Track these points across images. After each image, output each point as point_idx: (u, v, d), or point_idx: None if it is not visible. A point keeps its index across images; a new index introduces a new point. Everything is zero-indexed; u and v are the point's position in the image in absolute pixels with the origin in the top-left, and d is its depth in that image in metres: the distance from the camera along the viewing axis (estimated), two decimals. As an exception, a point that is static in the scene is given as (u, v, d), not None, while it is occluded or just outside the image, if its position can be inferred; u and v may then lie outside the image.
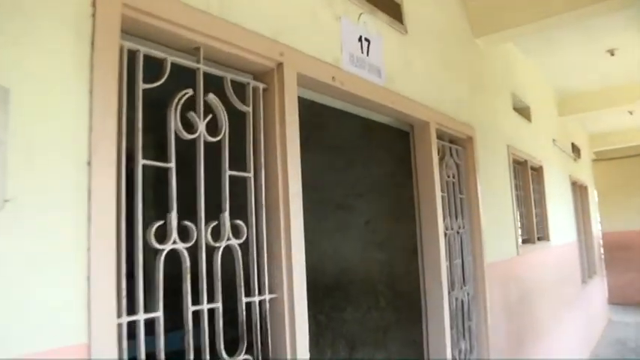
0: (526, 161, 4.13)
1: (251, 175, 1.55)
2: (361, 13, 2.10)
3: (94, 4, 1.12)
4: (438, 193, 2.53)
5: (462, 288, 2.84)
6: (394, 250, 3.53)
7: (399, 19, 2.39)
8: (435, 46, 2.74)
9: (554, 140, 5.23)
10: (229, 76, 1.53)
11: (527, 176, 4.14)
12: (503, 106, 3.62)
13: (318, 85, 1.80)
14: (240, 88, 1.60)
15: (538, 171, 4.59)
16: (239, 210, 1.54)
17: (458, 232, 2.84)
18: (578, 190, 6.94)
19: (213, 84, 1.53)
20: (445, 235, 2.64)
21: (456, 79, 2.93)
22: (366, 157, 3.90)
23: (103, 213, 1.07)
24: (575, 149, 6.72)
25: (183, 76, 1.45)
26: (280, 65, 1.62)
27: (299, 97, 1.89)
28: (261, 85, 1.62)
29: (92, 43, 1.12)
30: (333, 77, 1.83)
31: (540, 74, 5.02)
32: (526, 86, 4.41)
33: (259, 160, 1.58)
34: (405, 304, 3.06)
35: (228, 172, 1.48)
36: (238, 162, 1.55)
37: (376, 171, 3.82)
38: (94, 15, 1.13)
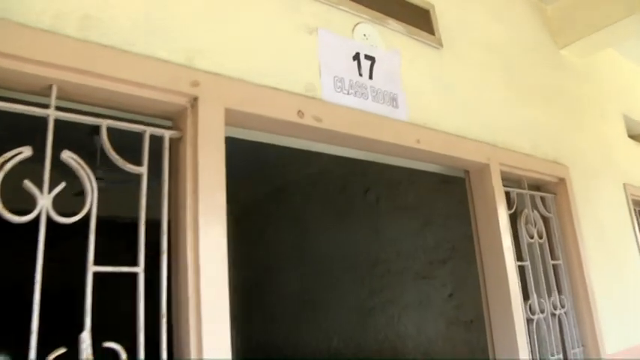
0: (659, 202, 3.04)
1: (140, 269, 1.01)
2: (357, 24, 1.52)
3: None
4: (510, 263, 1.75)
5: (568, 398, 1.94)
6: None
7: (429, 28, 1.76)
8: (494, 62, 2.03)
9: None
10: (105, 123, 1.04)
11: (663, 223, 3.04)
12: (612, 134, 2.69)
13: (271, 124, 1.24)
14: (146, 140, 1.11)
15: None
16: (121, 324, 1.01)
17: (554, 315, 1.97)
18: None
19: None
20: (529, 322, 1.82)
21: (532, 105, 2.16)
22: (445, 216, 3.18)
23: None
24: None
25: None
26: (195, 101, 1.10)
27: (270, 143, 1.36)
28: (167, 133, 1.10)
29: None
30: (299, 112, 1.26)
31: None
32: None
33: (159, 245, 1.04)
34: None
35: (93, 269, 0.96)
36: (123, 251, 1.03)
37: (458, 232, 3.07)
38: None
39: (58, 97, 0.99)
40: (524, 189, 2.01)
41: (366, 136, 1.41)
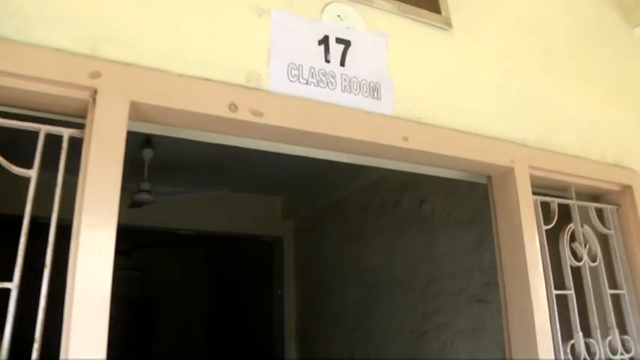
0: None
1: (13, 286, 0.88)
2: (328, 3, 1.30)
3: None
4: (539, 292, 1.38)
5: None
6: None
7: (433, 7, 1.48)
8: (530, 44, 1.67)
9: None
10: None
11: None
12: None
13: (193, 118, 1.06)
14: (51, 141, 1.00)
15: None
16: None
17: (613, 361, 1.55)
18: None
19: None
20: (572, 368, 1.43)
21: (585, 95, 1.75)
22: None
23: None
24: None
25: None
26: (96, 94, 0.97)
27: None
28: (66, 132, 0.98)
29: None
30: (231, 105, 1.07)
31: None
32: None
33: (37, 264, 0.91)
34: None
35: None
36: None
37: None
38: None
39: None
40: (570, 198, 1.62)
41: (327, 133, 1.18)
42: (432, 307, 3.21)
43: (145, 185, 3.33)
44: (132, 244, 5.26)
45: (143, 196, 3.29)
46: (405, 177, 3.58)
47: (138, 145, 3.33)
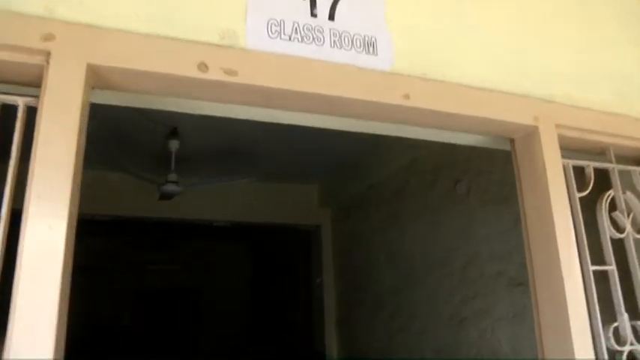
0: None
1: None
2: (314, -48, 1.17)
3: None
4: (572, 270, 1.21)
5: None
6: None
7: (439, -48, 1.32)
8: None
9: None
10: None
11: None
12: None
13: (157, 81, 0.97)
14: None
15: None
16: None
17: (665, 346, 1.34)
18: None
19: None
20: (616, 355, 1.25)
21: (620, 43, 1.53)
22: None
23: None
24: None
25: None
26: (49, 57, 0.89)
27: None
28: (21, 101, 0.91)
29: None
30: (201, 64, 0.97)
31: None
32: None
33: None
34: None
35: None
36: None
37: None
38: None
39: None
40: (609, 162, 1.42)
41: (313, 92, 1.06)
42: (470, 292, 3.02)
43: (173, 176, 3.31)
44: (168, 238, 5.33)
45: (171, 187, 3.28)
46: (439, 156, 3.40)
47: (164, 136, 3.31)
